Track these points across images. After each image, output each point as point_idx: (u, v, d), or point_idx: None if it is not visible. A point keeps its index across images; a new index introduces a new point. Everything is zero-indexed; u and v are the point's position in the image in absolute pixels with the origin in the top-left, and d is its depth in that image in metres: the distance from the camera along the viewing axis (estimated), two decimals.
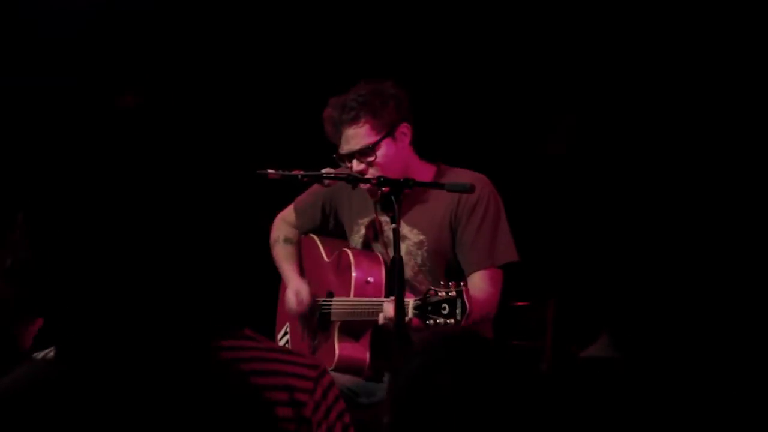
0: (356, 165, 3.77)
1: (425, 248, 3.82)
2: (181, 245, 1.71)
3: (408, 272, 3.74)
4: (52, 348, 1.87)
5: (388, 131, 3.76)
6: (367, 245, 3.98)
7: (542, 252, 4.49)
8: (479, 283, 3.72)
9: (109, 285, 1.67)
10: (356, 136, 3.75)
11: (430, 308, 3.46)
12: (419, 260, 3.81)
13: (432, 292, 3.47)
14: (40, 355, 2.03)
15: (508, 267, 3.80)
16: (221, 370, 1.72)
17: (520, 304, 4.06)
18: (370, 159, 3.75)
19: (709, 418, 1.68)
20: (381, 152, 3.75)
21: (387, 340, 3.72)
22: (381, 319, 3.66)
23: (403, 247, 3.73)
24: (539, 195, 4.75)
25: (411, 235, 3.82)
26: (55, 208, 1.69)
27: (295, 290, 4.00)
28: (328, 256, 4.07)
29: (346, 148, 3.78)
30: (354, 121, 3.75)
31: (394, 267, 3.46)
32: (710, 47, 4.33)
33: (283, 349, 2.13)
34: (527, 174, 4.79)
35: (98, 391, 1.60)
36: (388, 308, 3.60)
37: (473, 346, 1.74)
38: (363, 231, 3.97)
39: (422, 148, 3.89)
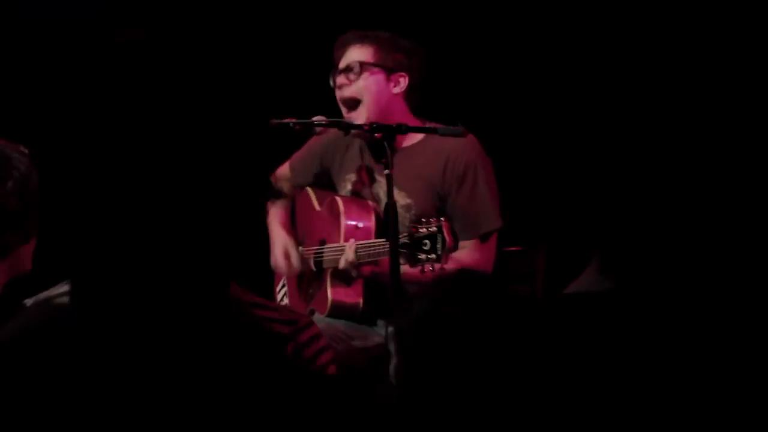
0: (340, 79, 3.83)
1: (412, 212, 3.85)
2: (185, 183, 1.75)
3: None
4: (41, 294, 1.88)
5: (386, 67, 3.81)
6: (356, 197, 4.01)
7: (533, 197, 4.53)
8: (472, 251, 3.75)
9: (118, 219, 1.70)
10: (354, 54, 3.84)
11: (413, 245, 3.49)
12: (406, 222, 3.82)
13: (414, 229, 3.49)
14: (30, 301, 2.02)
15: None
16: (233, 305, 1.76)
17: (511, 249, 4.10)
18: (356, 78, 3.81)
19: (694, 347, 1.72)
20: (368, 78, 3.82)
21: (379, 284, 3.76)
22: (341, 261, 3.69)
23: None
24: (525, 139, 4.78)
25: (398, 198, 3.83)
26: (66, 143, 1.71)
27: (284, 250, 4.04)
28: (319, 205, 4.10)
29: (342, 64, 3.85)
30: (360, 42, 3.85)
31: (389, 212, 3.49)
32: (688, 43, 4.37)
33: (263, 304, 2.12)
34: (511, 119, 4.81)
35: (110, 335, 1.64)
36: (348, 247, 3.66)
37: (476, 283, 1.79)
38: (350, 187, 4.00)
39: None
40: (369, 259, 3.65)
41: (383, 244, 3.55)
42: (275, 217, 4.15)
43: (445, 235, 3.44)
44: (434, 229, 3.45)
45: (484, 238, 3.81)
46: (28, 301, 2.00)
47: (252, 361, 1.69)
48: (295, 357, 1.97)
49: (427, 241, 3.46)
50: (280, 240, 4.07)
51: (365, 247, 3.65)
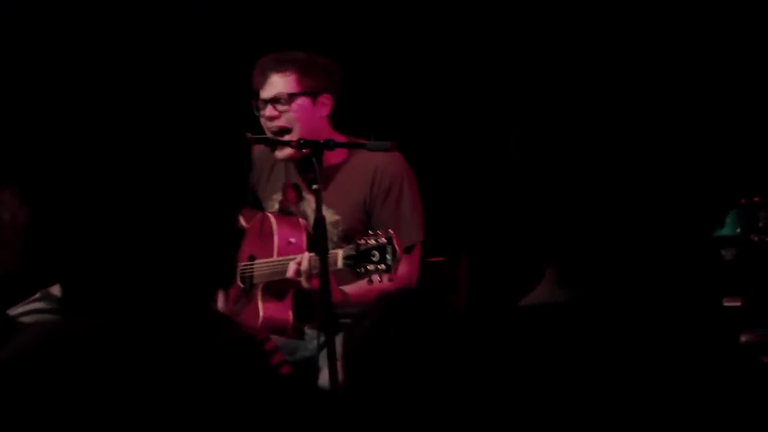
0: (269, 110, 3.89)
1: (341, 228, 3.93)
2: (177, 204, 1.80)
3: None
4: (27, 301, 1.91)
5: (309, 92, 3.89)
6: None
7: (454, 207, 4.65)
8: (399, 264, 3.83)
9: (106, 239, 1.74)
10: (278, 84, 3.89)
11: (361, 257, 3.56)
12: (334, 239, 3.90)
13: (362, 241, 3.56)
14: (17, 310, 2.05)
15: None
16: (217, 322, 1.81)
17: (434, 259, 4.20)
18: (285, 108, 3.87)
19: (653, 357, 1.78)
20: (296, 106, 3.88)
21: (309, 299, 3.83)
22: (290, 271, 3.73)
23: None
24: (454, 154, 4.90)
25: (327, 215, 3.87)
26: (49, 162, 1.76)
27: None
28: (246, 222, 4.16)
29: (266, 93, 3.91)
30: (281, 69, 3.90)
31: (318, 227, 3.57)
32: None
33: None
34: (438, 129, 4.91)
35: (110, 347, 1.68)
36: (302, 259, 3.71)
37: (419, 303, 1.86)
38: (277, 206, 4.06)
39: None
40: (316, 271, 3.70)
41: (332, 256, 3.60)
42: None
43: (395, 245, 3.53)
44: (384, 240, 3.53)
45: (408, 251, 3.91)
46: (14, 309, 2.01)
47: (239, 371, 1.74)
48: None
49: (375, 252, 3.53)
50: None
51: (315, 259, 3.70)
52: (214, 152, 1.91)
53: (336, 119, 3.99)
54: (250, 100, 3.95)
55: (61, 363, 1.63)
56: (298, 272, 3.72)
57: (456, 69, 4.99)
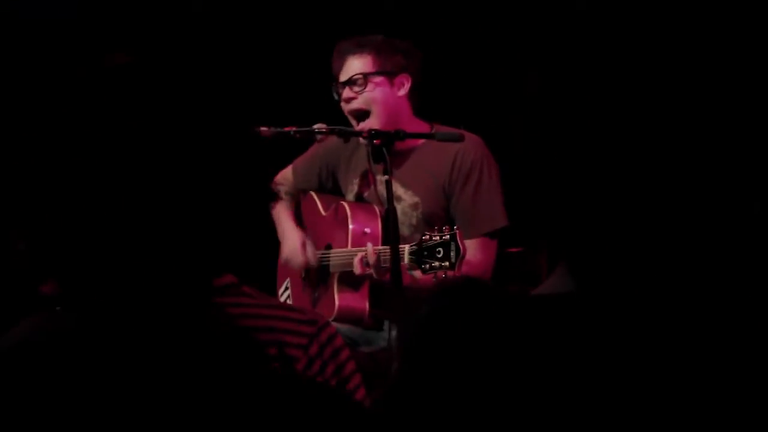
0: (346, 92, 3.86)
1: (420, 210, 3.88)
2: (178, 199, 1.78)
3: (404, 231, 3.81)
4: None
5: (386, 72, 3.85)
6: (361, 201, 4.06)
7: (534, 197, 4.54)
8: (473, 251, 3.74)
9: (108, 239, 1.73)
10: (355, 66, 3.86)
11: (425, 253, 3.52)
12: (414, 221, 3.87)
13: (426, 236, 3.53)
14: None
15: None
16: (219, 325, 1.79)
17: (513, 250, 4.13)
18: (360, 89, 3.84)
19: (664, 350, 1.74)
20: (372, 87, 3.84)
21: (386, 289, 3.80)
22: (357, 267, 3.71)
23: (399, 207, 3.79)
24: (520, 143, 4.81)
25: (406, 197, 3.88)
26: (48, 165, 1.75)
27: (302, 242, 4.07)
28: (325, 210, 4.15)
29: (343, 76, 3.88)
30: (359, 52, 3.87)
31: (388, 218, 3.54)
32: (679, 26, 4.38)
33: (280, 305, 2.11)
34: (507, 122, 4.84)
35: (102, 343, 1.68)
36: (367, 252, 3.68)
37: (478, 292, 1.81)
38: (356, 189, 4.04)
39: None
40: (386, 265, 3.68)
41: (401, 251, 3.57)
42: (283, 214, 4.19)
43: (459, 242, 3.48)
44: (447, 237, 3.49)
45: (488, 237, 3.85)
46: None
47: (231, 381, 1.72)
48: (310, 368, 1.98)
49: (440, 249, 3.50)
50: (293, 234, 4.11)
51: (384, 252, 3.68)
52: (214, 144, 1.86)
53: (419, 104, 3.92)
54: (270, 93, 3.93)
55: (46, 358, 1.64)
56: (365, 265, 3.69)
57: (543, 63, 4.89)
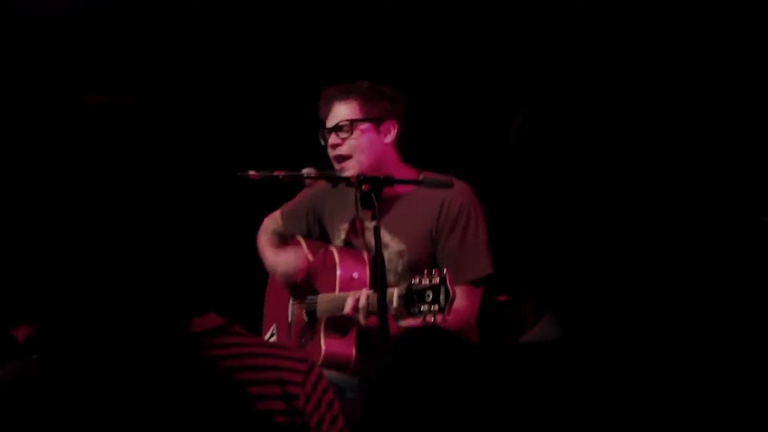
0: (332, 138, 3.87)
1: (406, 258, 3.87)
2: (159, 241, 1.77)
3: (389, 278, 3.78)
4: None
5: (373, 118, 3.86)
6: (349, 247, 4.05)
7: (521, 247, 4.54)
8: (461, 298, 3.70)
9: (86, 280, 1.72)
10: (341, 112, 3.87)
11: (415, 297, 3.50)
12: (399, 268, 3.86)
13: (416, 280, 3.51)
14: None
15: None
16: (205, 366, 1.78)
17: (500, 298, 4.12)
18: (347, 135, 3.85)
19: (649, 397, 1.74)
20: (359, 133, 3.85)
21: (372, 335, 3.78)
22: (348, 307, 3.69)
23: (385, 254, 3.76)
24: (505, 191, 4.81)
25: (392, 244, 3.87)
26: (24, 204, 1.74)
27: (294, 253, 4.07)
28: (312, 256, 4.14)
29: (329, 122, 3.89)
30: (345, 98, 3.88)
31: (376, 264, 3.53)
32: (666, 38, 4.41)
33: (271, 344, 2.15)
34: (492, 170, 4.85)
35: (80, 388, 1.66)
36: (360, 296, 3.67)
37: (441, 342, 1.82)
38: (343, 236, 4.04)
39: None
40: (374, 309, 3.65)
41: (389, 295, 3.56)
42: (270, 246, 4.19)
43: (449, 286, 3.47)
44: (437, 280, 3.47)
45: (473, 285, 3.84)
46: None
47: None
48: (307, 405, 1.99)
49: (429, 292, 3.48)
50: (283, 252, 4.11)
51: (372, 296, 3.66)
52: (190, 188, 1.86)
53: (405, 149, 3.93)
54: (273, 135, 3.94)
55: (25, 407, 1.64)
56: (355, 309, 3.68)
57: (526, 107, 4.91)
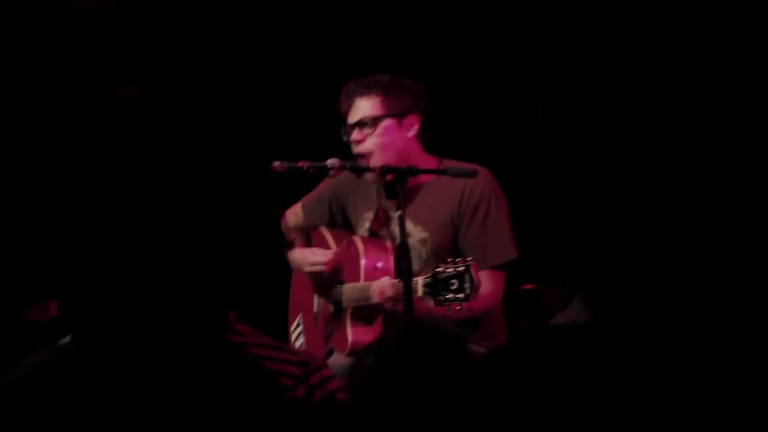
0: (355, 134, 3.86)
1: (429, 246, 3.88)
2: (187, 231, 1.78)
3: (413, 266, 3.78)
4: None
5: (395, 114, 3.85)
6: (373, 237, 4.05)
7: (547, 236, 4.54)
8: (485, 282, 3.71)
9: (120, 271, 1.74)
10: (363, 107, 3.87)
11: (440, 285, 3.51)
12: (423, 256, 3.87)
13: (441, 269, 3.51)
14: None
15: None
16: (231, 352, 1.80)
17: (527, 287, 4.12)
18: (369, 132, 3.84)
19: (678, 378, 1.74)
20: (381, 129, 3.84)
21: (399, 323, 3.78)
22: (376, 296, 3.70)
23: (408, 243, 3.78)
24: (534, 181, 4.81)
25: (415, 232, 3.87)
26: (61, 198, 1.76)
27: (312, 251, 4.08)
28: (336, 246, 4.14)
29: (351, 118, 3.89)
30: (366, 94, 3.87)
31: (401, 253, 3.53)
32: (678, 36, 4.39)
33: (274, 345, 2.13)
34: (514, 159, 4.84)
35: (114, 371, 1.68)
36: (385, 284, 3.68)
37: (419, 339, 1.83)
38: (368, 225, 4.04)
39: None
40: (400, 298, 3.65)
41: (413, 284, 3.56)
42: (296, 251, 4.20)
43: (473, 274, 3.46)
44: (462, 268, 3.48)
45: (498, 269, 3.84)
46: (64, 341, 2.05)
47: (249, 404, 1.73)
48: (306, 398, 1.99)
49: (454, 280, 3.49)
50: (309, 251, 4.12)
51: (398, 285, 3.66)
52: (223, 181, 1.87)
53: (427, 139, 3.92)
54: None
55: (55, 389, 1.64)
56: (382, 297, 3.68)
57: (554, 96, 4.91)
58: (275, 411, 1.77)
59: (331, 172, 3.83)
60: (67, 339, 1.80)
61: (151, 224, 1.75)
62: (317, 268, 4.10)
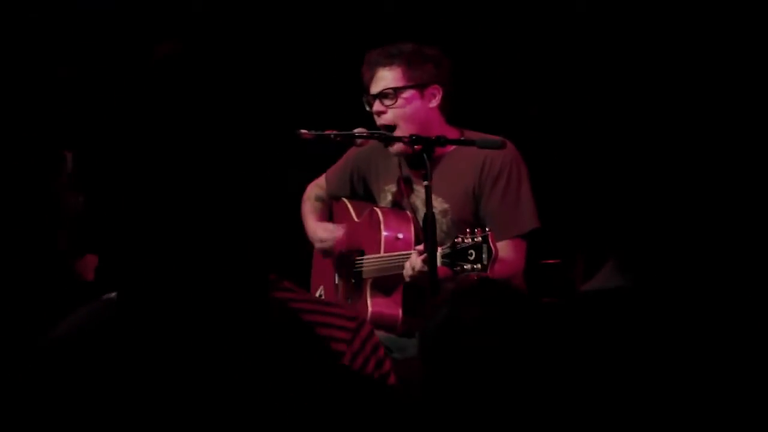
0: (377, 105, 3.84)
1: (449, 217, 3.87)
2: (229, 188, 1.78)
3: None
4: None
5: (417, 84, 3.83)
6: (395, 208, 4.05)
7: (569, 210, 4.54)
8: (503, 253, 3.70)
9: (161, 230, 1.73)
10: (385, 78, 3.84)
11: (458, 255, 3.51)
12: (444, 228, 3.85)
13: (459, 239, 3.51)
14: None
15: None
16: (278, 309, 1.79)
17: (549, 261, 4.11)
18: (391, 103, 3.82)
19: (715, 343, 1.73)
20: (403, 100, 3.82)
21: (419, 295, 3.78)
22: (408, 270, 3.69)
23: None
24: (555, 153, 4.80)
25: (435, 204, 3.85)
26: (104, 154, 1.75)
27: (323, 227, 4.10)
28: (357, 217, 4.14)
29: (374, 88, 3.86)
30: (388, 64, 3.84)
31: (427, 224, 3.53)
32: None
33: (321, 301, 2.13)
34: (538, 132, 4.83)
35: (160, 331, 1.68)
36: (414, 259, 3.67)
37: (495, 293, 1.82)
38: (390, 197, 4.03)
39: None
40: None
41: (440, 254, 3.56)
42: (313, 214, 4.21)
43: (491, 244, 3.46)
44: (479, 239, 3.48)
45: (519, 239, 3.83)
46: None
47: (297, 369, 1.72)
48: (362, 368, 1.98)
49: (472, 251, 3.49)
50: (321, 225, 4.14)
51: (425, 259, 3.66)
52: (261, 141, 1.86)
53: (450, 110, 3.91)
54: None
55: (99, 346, 1.65)
56: (414, 272, 3.67)
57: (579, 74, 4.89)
58: (330, 378, 1.75)
59: (359, 141, 3.82)
60: (112, 294, 1.80)
61: (194, 182, 1.74)
62: (325, 245, 4.10)
